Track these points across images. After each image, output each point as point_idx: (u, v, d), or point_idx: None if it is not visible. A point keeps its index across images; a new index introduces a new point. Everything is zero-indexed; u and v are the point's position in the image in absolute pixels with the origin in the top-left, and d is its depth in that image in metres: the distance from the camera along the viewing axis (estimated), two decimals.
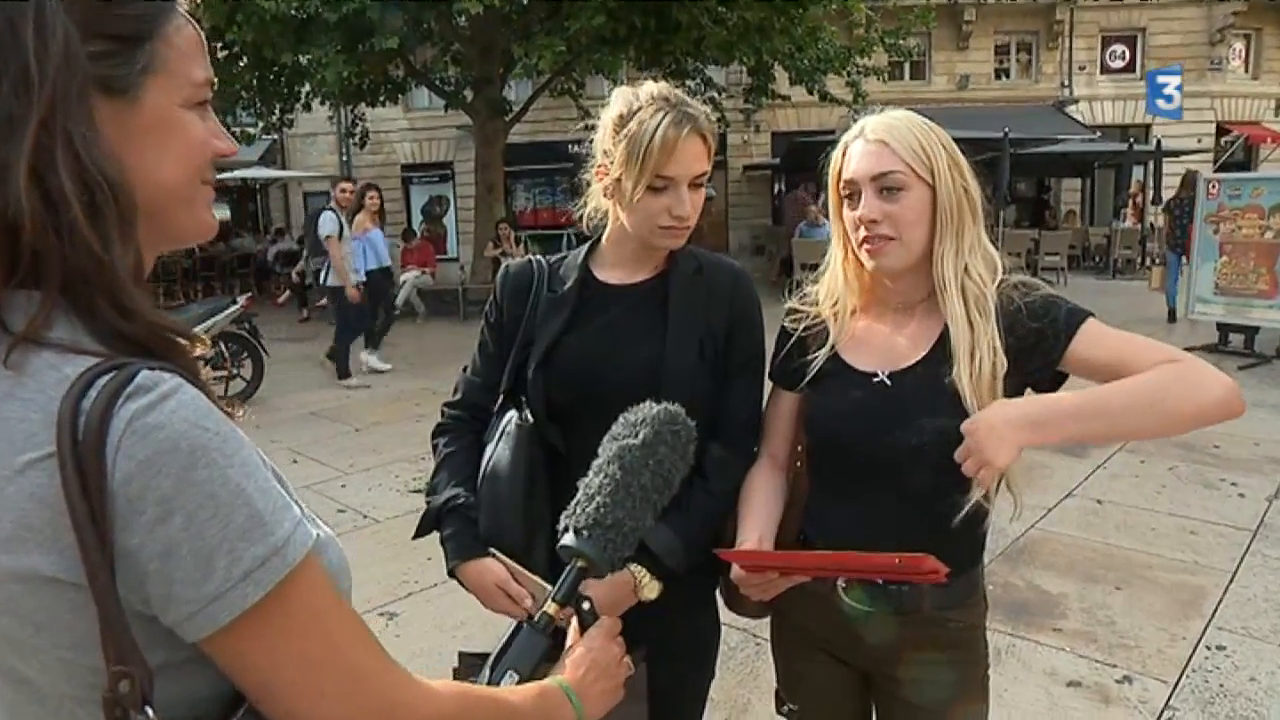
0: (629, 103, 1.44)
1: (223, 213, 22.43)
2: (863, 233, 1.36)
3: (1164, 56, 21.06)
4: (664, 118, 1.39)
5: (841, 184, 1.39)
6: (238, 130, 14.03)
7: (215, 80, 0.82)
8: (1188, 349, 6.01)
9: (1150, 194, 16.96)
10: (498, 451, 1.51)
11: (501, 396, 1.57)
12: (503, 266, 1.68)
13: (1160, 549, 4.10)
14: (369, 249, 8.53)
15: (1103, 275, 16.39)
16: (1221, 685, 2.98)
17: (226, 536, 0.67)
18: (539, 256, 1.64)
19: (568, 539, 1.10)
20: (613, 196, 1.49)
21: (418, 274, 12.93)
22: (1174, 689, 2.97)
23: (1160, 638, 3.30)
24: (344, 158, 21.73)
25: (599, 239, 1.59)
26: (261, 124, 14.58)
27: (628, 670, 1.13)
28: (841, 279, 1.45)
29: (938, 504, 1.32)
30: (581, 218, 1.60)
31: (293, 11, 10.16)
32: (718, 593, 1.62)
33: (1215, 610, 3.49)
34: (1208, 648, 3.22)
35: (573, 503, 1.12)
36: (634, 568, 1.40)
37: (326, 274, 8.37)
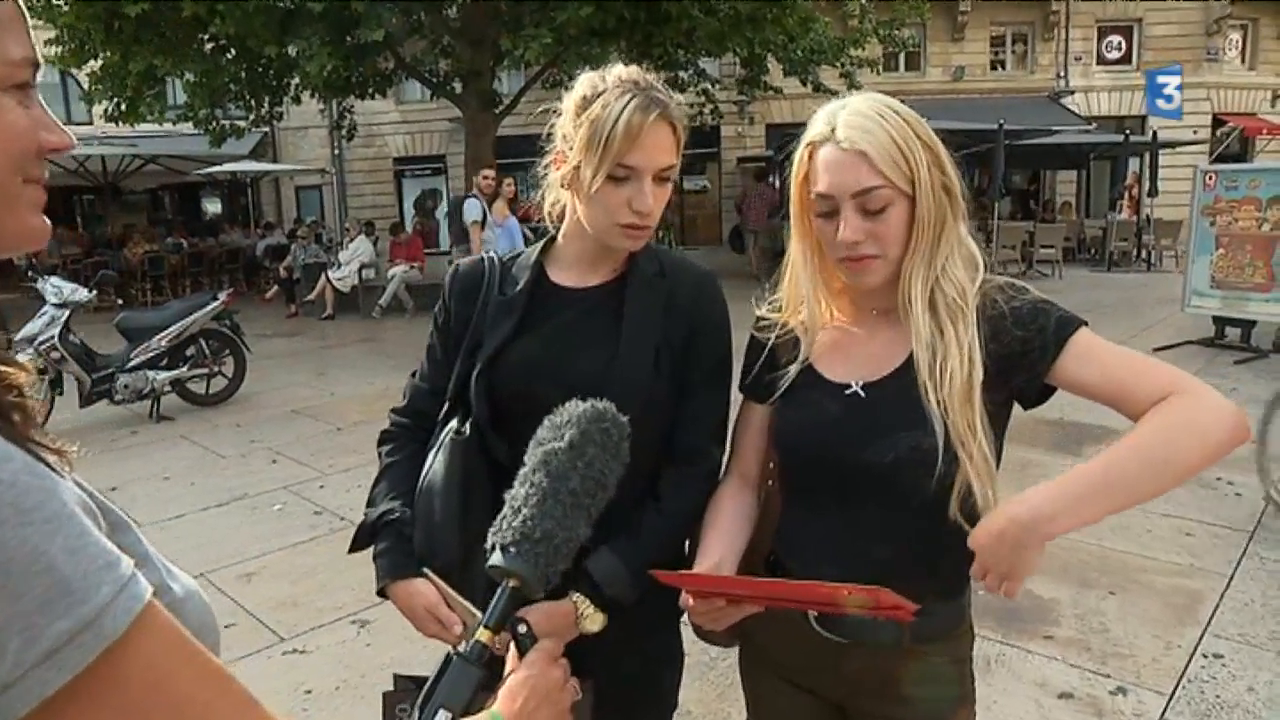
0: (594, 85, 1.31)
1: (213, 207, 22.40)
2: (843, 252, 1.24)
3: (1160, 48, 20.97)
4: (630, 101, 1.26)
5: (813, 194, 1.26)
6: (227, 124, 13.86)
7: (40, 61, 0.70)
8: (1185, 343, 5.86)
9: (1146, 186, 16.88)
10: (434, 465, 1.40)
11: (447, 404, 1.45)
12: (453, 265, 1.56)
13: (1156, 552, 4.00)
14: (506, 236, 8.59)
15: (1098, 268, 16.27)
16: (1218, 696, 2.88)
17: (19, 612, 0.55)
18: (492, 254, 1.51)
19: (495, 558, 1.02)
20: (570, 187, 1.36)
21: (406, 268, 12.80)
22: (1169, 701, 2.86)
23: (1155, 646, 3.19)
24: (335, 151, 21.55)
25: (555, 236, 1.47)
26: (251, 116, 14.39)
27: (574, 695, 1.04)
28: (810, 286, 1.33)
29: (916, 524, 1.20)
30: (545, 215, 1.48)
31: (276, 3, 10.00)
32: (684, 619, 1.51)
33: (1212, 616, 3.39)
34: (1204, 656, 3.12)
35: (499, 517, 1.04)
36: (576, 597, 1.29)
37: None
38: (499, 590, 1.02)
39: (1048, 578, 3.71)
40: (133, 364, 6.88)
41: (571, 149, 1.32)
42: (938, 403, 1.18)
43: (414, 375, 1.55)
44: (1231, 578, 3.72)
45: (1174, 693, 2.91)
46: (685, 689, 2.85)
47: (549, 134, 1.39)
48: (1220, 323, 8.61)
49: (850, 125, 1.21)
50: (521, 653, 1.03)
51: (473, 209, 8.41)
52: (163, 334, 7.00)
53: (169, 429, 6.88)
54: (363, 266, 12.92)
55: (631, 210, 1.30)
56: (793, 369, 1.33)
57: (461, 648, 1.00)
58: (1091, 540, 4.13)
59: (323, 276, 12.87)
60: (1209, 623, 3.35)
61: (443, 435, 1.41)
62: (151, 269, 15.17)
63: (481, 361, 1.38)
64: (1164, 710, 2.81)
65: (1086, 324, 1.22)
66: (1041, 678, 3.01)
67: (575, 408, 1.07)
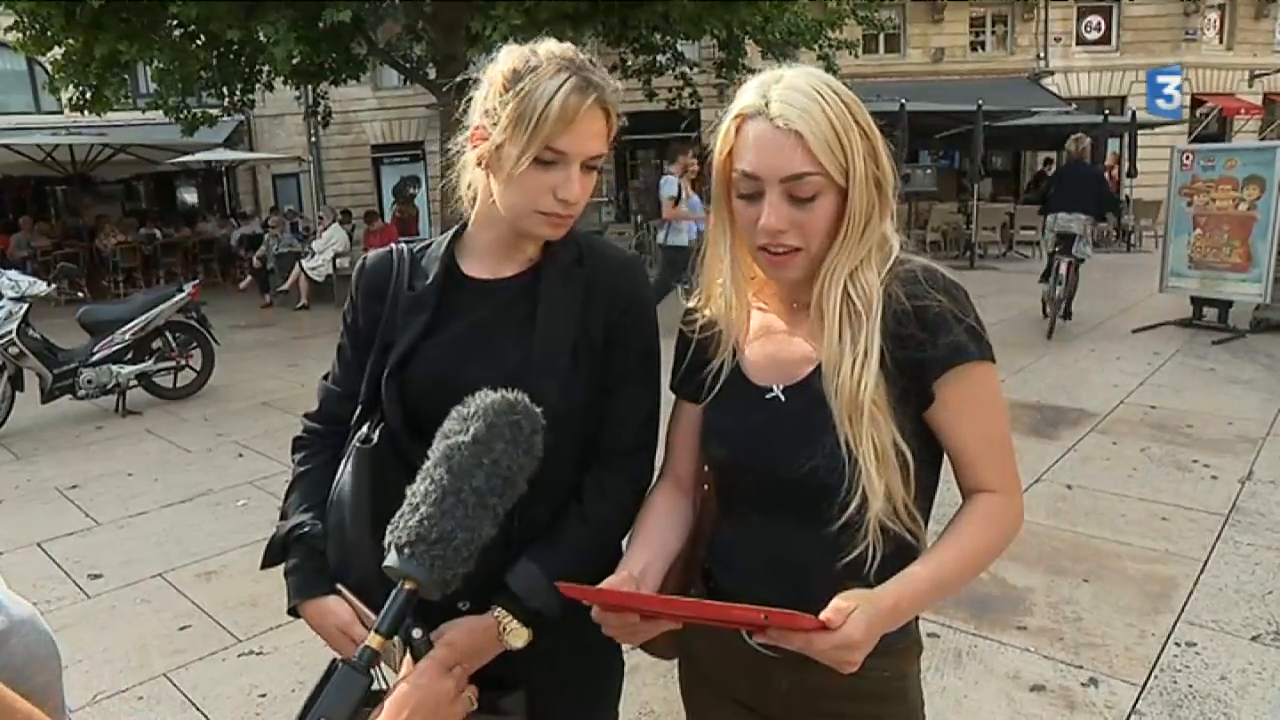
0: (524, 59, 1.20)
1: (189, 197, 22.10)
2: (764, 239, 1.14)
3: (1139, 28, 20.97)
4: (567, 80, 1.16)
5: (736, 171, 1.16)
6: (199, 112, 13.60)
7: None
8: (1163, 324, 5.83)
9: (1126, 166, 16.88)
10: (343, 475, 1.30)
11: (360, 407, 1.36)
12: (360, 259, 1.46)
13: (1130, 537, 3.95)
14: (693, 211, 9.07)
15: None
16: (1191, 686, 2.83)
17: None
18: (401, 245, 1.41)
19: (390, 558, 0.96)
20: (488, 168, 1.25)
21: None
22: (1141, 691, 2.81)
23: (1129, 634, 3.14)
24: (312, 138, 21.28)
25: (465, 224, 1.37)
26: (225, 104, 14.13)
27: (468, 706, 1.00)
28: (729, 274, 1.24)
29: (840, 534, 1.12)
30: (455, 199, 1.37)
31: None
32: None
33: (1185, 603, 3.35)
34: (1177, 644, 3.07)
35: (397, 514, 0.97)
36: (498, 612, 1.21)
37: (667, 235, 9.09)
38: (393, 592, 0.95)
39: (1022, 565, 3.66)
40: (96, 358, 6.74)
41: (495, 126, 1.21)
42: (834, 395, 1.10)
43: (325, 378, 1.45)
44: (1206, 563, 3.68)
45: (1146, 683, 2.86)
46: (649, 689, 2.81)
47: (466, 107, 1.29)
48: (1198, 303, 8.60)
49: (786, 101, 1.10)
50: (416, 659, 0.99)
51: (669, 185, 9.05)
52: (126, 327, 6.85)
53: (135, 424, 6.75)
54: (337, 256, 12.72)
55: (556, 198, 1.21)
56: (718, 367, 1.24)
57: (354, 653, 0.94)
58: (1066, 526, 4.09)
59: (297, 266, 12.69)
60: (1182, 610, 3.30)
61: (352, 442, 1.31)
62: (124, 260, 14.95)
63: (392, 362, 1.29)
64: (1136, 701, 2.76)
65: (991, 357, 1.14)
66: (1014, 670, 2.95)
67: (483, 398, 1.00)
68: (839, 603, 0.98)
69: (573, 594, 1.06)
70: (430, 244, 1.39)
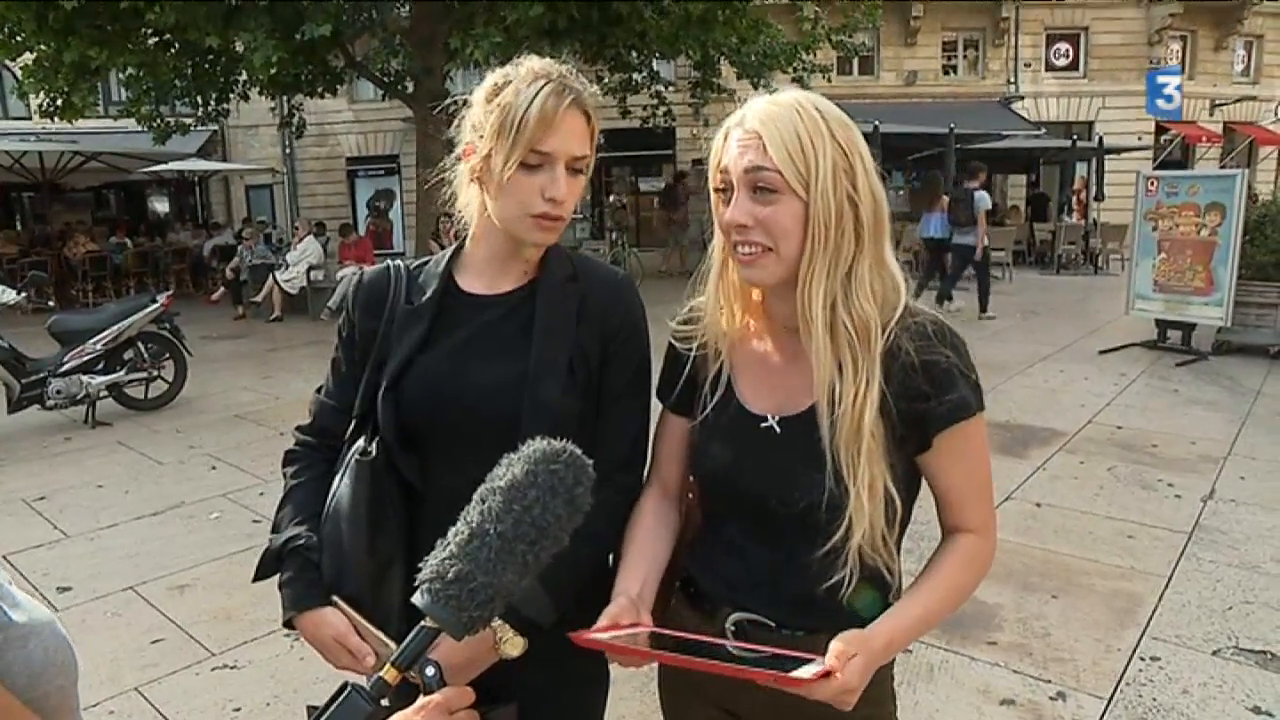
0: (505, 74, 1.27)
1: (161, 206, 21.85)
2: (733, 236, 1.18)
3: (1106, 55, 21.44)
4: (544, 87, 1.22)
5: (718, 175, 1.20)
6: (172, 120, 13.49)
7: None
8: (1129, 345, 5.96)
9: (1093, 190, 17.22)
10: (340, 488, 1.32)
11: (354, 421, 1.38)
12: (356, 275, 1.48)
13: (1098, 554, 4.04)
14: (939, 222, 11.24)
15: (1047, 270, 16.57)
16: (1155, 699, 2.90)
17: None
18: (399, 262, 1.44)
19: (416, 594, 0.95)
20: (480, 179, 1.29)
21: (356, 270, 12.59)
22: (1108, 704, 2.87)
23: (1095, 649, 3.21)
24: (287, 150, 21.16)
25: (463, 243, 1.40)
26: (198, 113, 14.02)
27: None
28: (719, 290, 1.27)
29: (828, 564, 1.16)
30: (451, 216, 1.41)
31: None
32: None
33: (1150, 619, 3.42)
34: (1141, 659, 3.14)
35: (431, 550, 0.97)
36: (494, 621, 1.23)
37: (952, 234, 10.85)
38: (416, 628, 0.95)
39: (992, 582, 3.72)
40: (66, 368, 6.65)
41: (482, 138, 1.26)
42: (827, 430, 1.14)
43: (319, 391, 1.47)
44: (1170, 579, 3.76)
45: (1112, 696, 2.92)
46: (625, 703, 2.82)
47: (458, 126, 1.33)
48: (1163, 325, 8.78)
49: (759, 110, 1.16)
50: (426, 694, 0.98)
51: (985, 200, 10.41)
52: (98, 337, 6.77)
53: (105, 435, 6.66)
54: (311, 268, 12.65)
55: (544, 198, 1.25)
56: (712, 387, 1.28)
57: (365, 680, 0.94)
58: (1036, 543, 4.16)
59: (270, 278, 12.60)
60: (1147, 625, 3.38)
61: (349, 455, 1.33)
62: (93, 269, 14.75)
63: (388, 376, 1.32)
64: (1102, 714, 2.83)
65: (983, 409, 1.20)
66: (984, 684, 3.01)
67: (530, 445, 0.98)
68: (840, 649, 1.03)
69: (585, 643, 1.08)
70: (428, 261, 1.42)
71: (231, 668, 3.25)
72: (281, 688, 3.10)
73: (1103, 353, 8.62)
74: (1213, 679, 3.01)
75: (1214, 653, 3.17)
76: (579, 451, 0.99)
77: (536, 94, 1.21)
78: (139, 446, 6.31)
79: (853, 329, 1.14)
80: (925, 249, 12.17)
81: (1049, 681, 3.01)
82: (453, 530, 0.97)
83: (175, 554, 4.30)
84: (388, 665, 0.95)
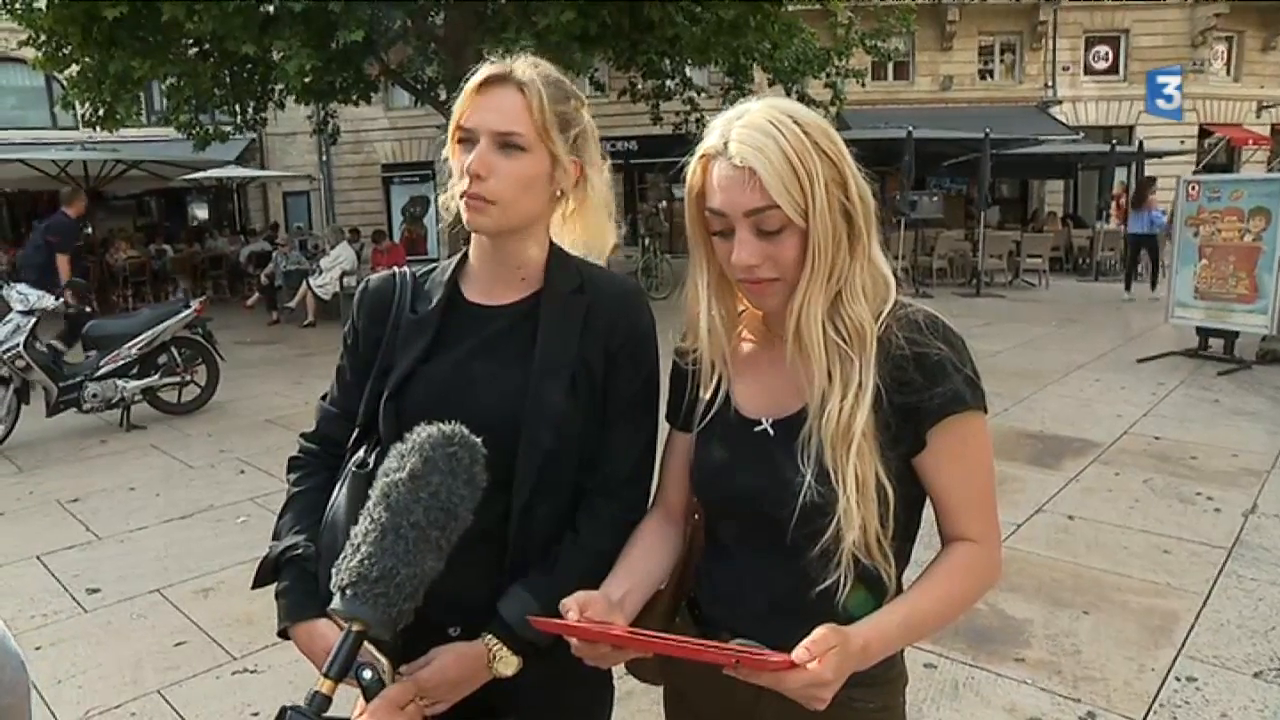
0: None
1: (200, 213, 22.24)
2: (740, 274, 1.15)
3: (1147, 58, 21.04)
4: (483, 67, 1.24)
5: (707, 210, 1.16)
6: (210, 128, 13.73)
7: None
8: (1169, 354, 5.79)
9: (1132, 196, 16.88)
10: (338, 498, 1.30)
11: (358, 429, 1.36)
12: (363, 281, 1.46)
13: (1131, 569, 3.92)
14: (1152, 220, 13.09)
15: (1085, 278, 16.27)
16: None
17: None
18: (404, 269, 1.42)
19: (335, 601, 0.97)
20: None
21: None
22: None
23: (1128, 668, 3.11)
24: (323, 157, 21.45)
25: (468, 252, 1.38)
26: (236, 121, 14.27)
27: None
28: (707, 309, 1.24)
29: (826, 570, 1.12)
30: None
31: (256, 1, 9.89)
32: None
33: (1186, 638, 3.31)
34: (1177, 679, 3.04)
35: (340, 556, 0.99)
36: (488, 639, 1.20)
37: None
38: (342, 635, 0.96)
39: (1021, 597, 3.63)
40: (102, 372, 6.77)
41: None
42: (817, 434, 1.11)
43: (324, 398, 1.46)
44: (1208, 597, 3.64)
45: (1145, 718, 2.83)
46: (642, 715, 2.77)
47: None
48: (1204, 334, 8.57)
49: (743, 140, 1.10)
50: (368, 700, 0.98)
51: (1162, 219, 12.25)
52: (132, 342, 6.88)
53: (139, 438, 6.76)
54: (344, 274, 12.76)
55: (466, 171, 1.22)
56: (708, 398, 1.24)
57: (304, 698, 0.94)
58: (1067, 557, 4.06)
59: (304, 284, 12.74)
60: (1184, 644, 3.27)
61: (348, 465, 1.32)
62: (133, 275, 15.04)
63: (391, 385, 1.30)
64: None
65: (984, 407, 1.14)
66: (1010, 703, 2.93)
67: (420, 432, 1.01)
68: (820, 635, 0.98)
69: (546, 628, 1.06)
70: (434, 268, 1.40)
71: (252, 672, 3.26)
72: (299, 693, 3.05)
73: (1140, 361, 8.42)
74: (1254, 702, 2.90)
75: (1255, 675, 3.05)
76: (467, 430, 1.02)
77: (473, 74, 1.23)
78: (171, 450, 6.40)
79: (848, 333, 1.12)
80: (1128, 245, 13.89)
81: (1079, 701, 2.92)
82: (360, 530, 0.99)
83: (201, 557, 4.34)
84: (321, 678, 0.96)
